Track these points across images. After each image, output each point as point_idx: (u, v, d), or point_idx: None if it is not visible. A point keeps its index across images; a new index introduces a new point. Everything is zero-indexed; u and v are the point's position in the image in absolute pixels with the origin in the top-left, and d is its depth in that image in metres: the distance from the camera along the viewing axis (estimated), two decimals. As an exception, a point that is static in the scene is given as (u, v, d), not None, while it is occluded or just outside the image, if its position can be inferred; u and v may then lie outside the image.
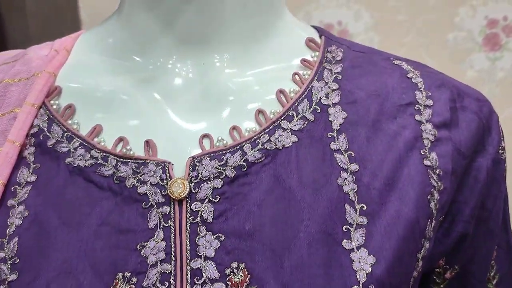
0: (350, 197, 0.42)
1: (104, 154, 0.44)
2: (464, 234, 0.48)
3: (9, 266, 0.41)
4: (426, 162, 0.44)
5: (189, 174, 0.42)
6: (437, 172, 0.45)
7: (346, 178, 0.43)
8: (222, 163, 0.42)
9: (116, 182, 0.42)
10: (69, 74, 0.49)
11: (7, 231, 0.42)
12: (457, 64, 1.42)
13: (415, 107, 0.47)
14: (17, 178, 0.44)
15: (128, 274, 0.39)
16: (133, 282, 0.39)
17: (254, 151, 0.43)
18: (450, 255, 0.50)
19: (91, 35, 0.51)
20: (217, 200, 0.41)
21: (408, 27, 1.42)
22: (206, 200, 0.41)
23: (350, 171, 0.43)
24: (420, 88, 0.48)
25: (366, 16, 1.42)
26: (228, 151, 0.43)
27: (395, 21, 1.42)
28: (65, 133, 0.45)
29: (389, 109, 0.46)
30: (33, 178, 0.44)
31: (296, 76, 0.47)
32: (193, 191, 0.41)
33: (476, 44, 1.42)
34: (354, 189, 0.42)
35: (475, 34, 1.42)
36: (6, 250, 0.41)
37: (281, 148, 0.43)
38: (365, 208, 0.42)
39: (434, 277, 0.51)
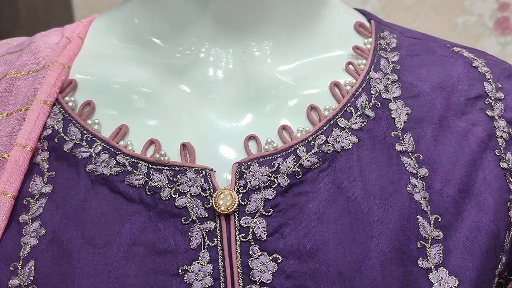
0: (422, 207, 0.36)
1: (133, 160, 0.37)
2: None
3: None
4: (503, 165, 0.39)
5: (235, 183, 0.36)
6: None
7: (416, 185, 0.37)
8: (273, 169, 0.36)
9: (148, 193, 0.36)
10: (85, 65, 0.42)
11: (21, 253, 0.35)
12: (467, 50, 1.37)
13: (485, 101, 0.41)
14: (29, 189, 0.37)
15: None
16: None
17: (310, 155, 0.37)
18: None
19: (108, 18, 0.44)
20: (270, 213, 0.35)
21: (416, 11, 1.37)
22: (258, 213, 0.35)
23: (420, 176, 0.37)
24: (489, 79, 0.42)
25: (373, -1, 1.36)
26: (279, 155, 0.37)
27: (403, 5, 1.37)
28: (85, 135, 0.38)
29: (456, 104, 0.40)
30: (48, 188, 0.37)
31: (350, 66, 0.41)
32: (242, 203, 0.35)
33: (486, 29, 1.37)
34: (425, 198, 0.37)
35: (486, 18, 1.36)
36: (21, 277, 0.34)
37: (339, 150, 0.37)
38: (439, 219, 0.36)
39: None
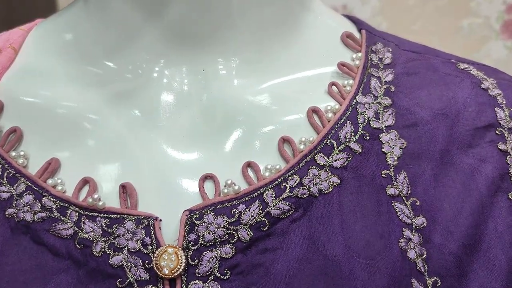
0: (418, 268, 0.29)
1: (62, 204, 0.30)
2: None
3: None
4: None
5: (184, 237, 0.29)
6: None
7: (410, 239, 0.30)
8: (233, 220, 0.29)
9: (78, 247, 0.29)
10: (14, 82, 0.35)
11: None
12: (472, 54, 1.30)
13: (497, 131, 0.34)
14: None
15: None
16: None
17: (279, 200, 0.30)
18: None
19: (48, 27, 0.37)
20: (227, 276, 0.28)
21: (418, 12, 1.30)
22: (211, 277, 0.28)
23: (416, 227, 0.30)
24: (501, 103, 0.35)
25: (373, -1, 1.28)
26: (241, 201, 0.30)
27: (405, 5, 1.30)
28: (6, 171, 0.31)
29: (461, 135, 0.33)
30: None
31: (334, 88, 0.34)
32: (191, 263, 0.28)
33: (493, 32, 1.30)
34: (422, 255, 0.29)
35: (492, 20, 1.30)
36: None
37: (317, 195, 0.30)
38: (439, 283, 0.29)
39: None
